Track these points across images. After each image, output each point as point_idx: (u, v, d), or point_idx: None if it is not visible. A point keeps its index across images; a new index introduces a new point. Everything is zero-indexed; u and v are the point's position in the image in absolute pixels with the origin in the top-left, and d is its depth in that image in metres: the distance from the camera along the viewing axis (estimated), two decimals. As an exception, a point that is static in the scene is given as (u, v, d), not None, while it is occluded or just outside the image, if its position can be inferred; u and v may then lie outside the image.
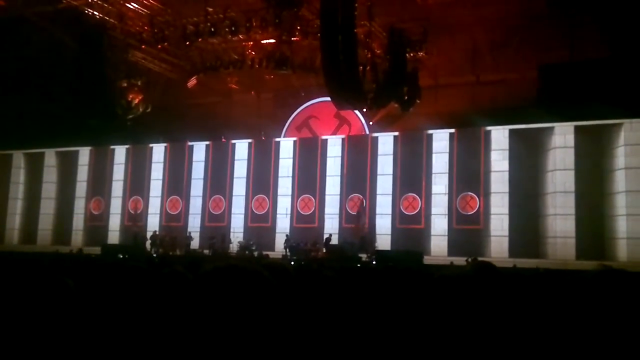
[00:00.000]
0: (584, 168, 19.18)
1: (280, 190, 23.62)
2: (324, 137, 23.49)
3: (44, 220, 26.86)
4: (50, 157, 27.07)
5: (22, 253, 17.91)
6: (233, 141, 24.52)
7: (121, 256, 19.30)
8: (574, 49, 17.91)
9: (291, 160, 23.58)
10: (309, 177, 23.21)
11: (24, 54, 22.41)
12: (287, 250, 21.08)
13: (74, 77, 21.32)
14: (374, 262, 17.32)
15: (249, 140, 24.28)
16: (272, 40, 20.24)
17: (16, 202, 27.29)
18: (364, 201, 21.93)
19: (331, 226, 22.60)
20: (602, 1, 17.82)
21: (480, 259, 15.71)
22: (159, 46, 21.62)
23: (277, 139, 24.17)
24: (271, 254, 20.55)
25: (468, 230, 20.73)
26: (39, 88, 23.04)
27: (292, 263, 16.81)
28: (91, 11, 20.33)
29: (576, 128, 19.38)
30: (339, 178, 22.83)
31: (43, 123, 23.87)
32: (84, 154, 26.59)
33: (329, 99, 19.38)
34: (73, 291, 2.11)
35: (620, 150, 18.84)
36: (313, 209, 23.09)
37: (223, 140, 24.64)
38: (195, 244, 23.28)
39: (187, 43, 20.98)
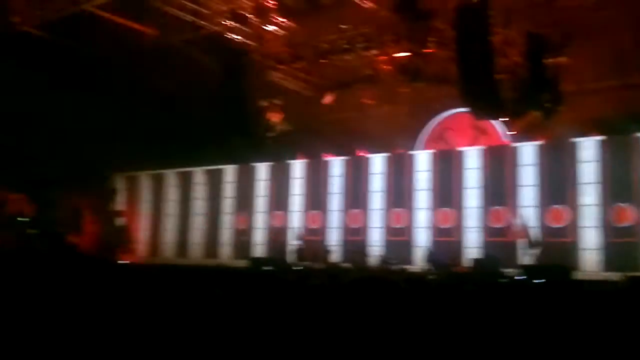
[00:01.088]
0: None
1: (417, 204, 23.39)
2: (461, 148, 22.99)
3: (195, 235, 28.47)
4: (198, 175, 28.74)
5: (176, 265, 19.10)
6: (368, 155, 24.69)
7: (267, 268, 20.12)
8: None
9: (428, 173, 23.31)
10: (447, 190, 22.80)
11: (172, 79, 24.01)
12: (428, 264, 20.81)
13: (218, 99, 22.55)
14: (519, 277, 16.64)
15: (385, 154, 24.32)
16: (406, 54, 20.20)
17: (170, 218, 29.20)
18: (514, 213, 21.14)
19: (472, 240, 22.03)
20: None
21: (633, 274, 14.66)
22: (296, 65, 22.30)
23: (413, 152, 24.00)
24: (411, 268, 20.42)
25: (622, 243, 19.31)
26: (186, 111, 24.55)
27: (432, 277, 16.59)
28: (232, 35, 21.35)
29: None
30: (478, 190, 22.22)
31: (191, 143, 25.41)
32: (229, 171, 27.94)
33: (465, 109, 18.98)
34: (221, 300, 2.22)
35: None
36: (452, 222, 22.63)
37: (359, 154, 24.84)
38: (335, 257, 23.66)
39: (322, 61, 21.48)
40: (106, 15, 20.60)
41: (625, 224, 19.41)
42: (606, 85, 19.80)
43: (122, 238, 28.56)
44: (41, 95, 22.20)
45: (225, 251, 27.30)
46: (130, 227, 29.18)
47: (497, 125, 22.55)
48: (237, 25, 20.71)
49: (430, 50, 19.38)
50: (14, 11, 20.25)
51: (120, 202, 30.12)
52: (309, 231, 25.66)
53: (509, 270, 18.08)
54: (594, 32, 17.95)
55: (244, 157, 26.33)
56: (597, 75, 19.61)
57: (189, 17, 20.19)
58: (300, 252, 23.64)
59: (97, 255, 25.25)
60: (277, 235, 25.94)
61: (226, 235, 27.72)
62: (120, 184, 30.37)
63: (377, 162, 24.49)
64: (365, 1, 18.96)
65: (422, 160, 23.54)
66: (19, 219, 27.24)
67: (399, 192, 23.75)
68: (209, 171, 28.60)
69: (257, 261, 22.52)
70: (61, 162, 24.73)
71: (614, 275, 16.36)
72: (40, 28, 21.19)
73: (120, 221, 29.42)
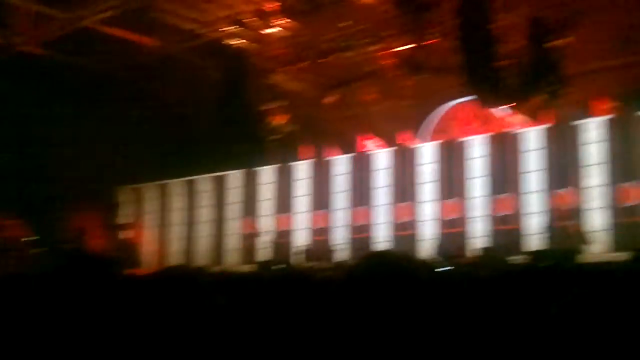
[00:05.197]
0: None
1: (424, 197, 23.49)
2: (465, 138, 23.16)
3: (201, 242, 28.44)
4: (203, 182, 28.74)
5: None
6: (374, 151, 24.81)
7: (277, 268, 20.09)
8: None
9: (433, 165, 23.41)
10: (451, 181, 22.92)
11: (174, 88, 24.10)
12: (435, 256, 20.89)
13: (220, 105, 22.66)
14: (527, 263, 16.72)
15: (389, 149, 24.45)
16: (408, 46, 20.43)
17: (176, 228, 29.16)
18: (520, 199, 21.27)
19: (479, 229, 22.15)
20: None
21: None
22: (298, 66, 22.48)
23: (418, 145, 24.17)
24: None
25: (629, 223, 19.40)
26: (190, 119, 24.64)
27: (441, 267, 16.65)
28: (233, 40, 21.53)
29: None
30: (484, 179, 22.35)
31: (195, 151, 25.48)
32: (234, 177, 27.95)
33: (470, 98, 19.21)
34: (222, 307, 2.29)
35: None
36: (459, 213, 22.75)
37: (363, 150, 24.93)
38: (342, 256, 23.65)
39: (324, 60, 21.67)
40: (107, 29, 20.75)
41: (632, 203, 19.57)
42: (611, 64, 20.06)
43: (128, 251, 28.48)
44: (40, 114, 22.18)
45: (232, 256, 27.24)
46: (136, 239, 29.10)
47: (502, 112, 22.74)
48: (237, 30, 20.91)
49: (433, 42, 19.64)
50: (15, 32, 20.35)
51: (125, 215, 30.01)
52: (315, 232, 25.71)
53: (517, 257, 18.21)
54: (598, 11, 18.24)
55: (249, 162, 26.35)
56: (602, 55, 19.88)
57: (189, 26, 20.33)
58: (307, 253, 23.66)
59: (104, 269, 25.10)
60: (281, 238, 25.95)
61: (233, 240, 27.69)
62: (124, 196, 30.28)
63: (382, 157, 24.57)
64: (365, -5, 19.24)
65: (427, 152, 23.66)
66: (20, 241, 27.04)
67: (405, 186, 23.82)
68: (213, 178, 28.59)
69: (264, 265, 22.49)
70: (62, 180, 24.64)
71: (620, 256, 16.44)
72: (42, 46, 21.31)
73: (126, 234, 29.36)
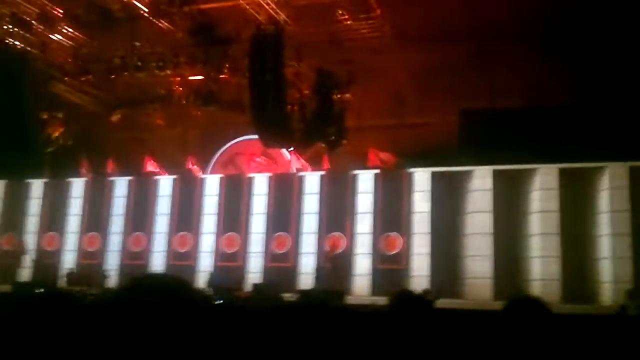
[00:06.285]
0: (501, 211, 19.84)
1: (204, 228, 23.24)
2: (250, 174, 23.43)
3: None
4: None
5: None
6: (157, 177, 24.04)
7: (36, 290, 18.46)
8: (494, 98, 18.83)
9: (216, 198, 23.31)
10: (234, 215, 22.98)
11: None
12: (209, 288, 20.69)
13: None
14: (297, 301, 17.18)
15: (174, 177, 23.88)
16: (200, 77, 20.26)
17: None
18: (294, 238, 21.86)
19: (255, 265, 22.40)
20: (520, 55, 18.87)
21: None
22: (83, 78, 21.19)
23: (203, 176, 23.90)
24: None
25: (390, 270, 20.93)
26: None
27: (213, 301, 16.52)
28: (12, 41, 19.74)
29: (494, 172, 20.12)
30: (264, 216, 22.71)
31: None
32: (-2, 187, 25.38)
33: (256, 136, 19.46)
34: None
35: (536, 195, 19.65)
36: (238, 247, 22.82)
37: (146, 175, 24.07)
38: (112, 282, 22.51)
39: (113, 76, 20.69)
40: None
41: (394, 251, 21.06)
42: (384, 123, 21.66)
43: None
44: None
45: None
46: None
47: (286, 154, 23.37)
48: (19, 30, 19.25)
49: (225, 76, 19.67)
50: None
51: None
52: (85, 254, 24.17)
53: (288, 295, 18.63)
54: (377, 74, 19.63)
55: (18, 173, 24.04)
56: (377, 114, 21.38)
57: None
58: (73, 276, 22.10)
59: None
60: (48, 258, 23.99)
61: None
62: None
63: (165, 184, 23.90)
64: (161, 20, 18.74)
65: (211, 183, 23.49)
66: None
67: (186, 216, 23.39)
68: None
69: (23, 286, 20.64)
70: None
71: (381, 300, 17.44)
72: None
73: None
